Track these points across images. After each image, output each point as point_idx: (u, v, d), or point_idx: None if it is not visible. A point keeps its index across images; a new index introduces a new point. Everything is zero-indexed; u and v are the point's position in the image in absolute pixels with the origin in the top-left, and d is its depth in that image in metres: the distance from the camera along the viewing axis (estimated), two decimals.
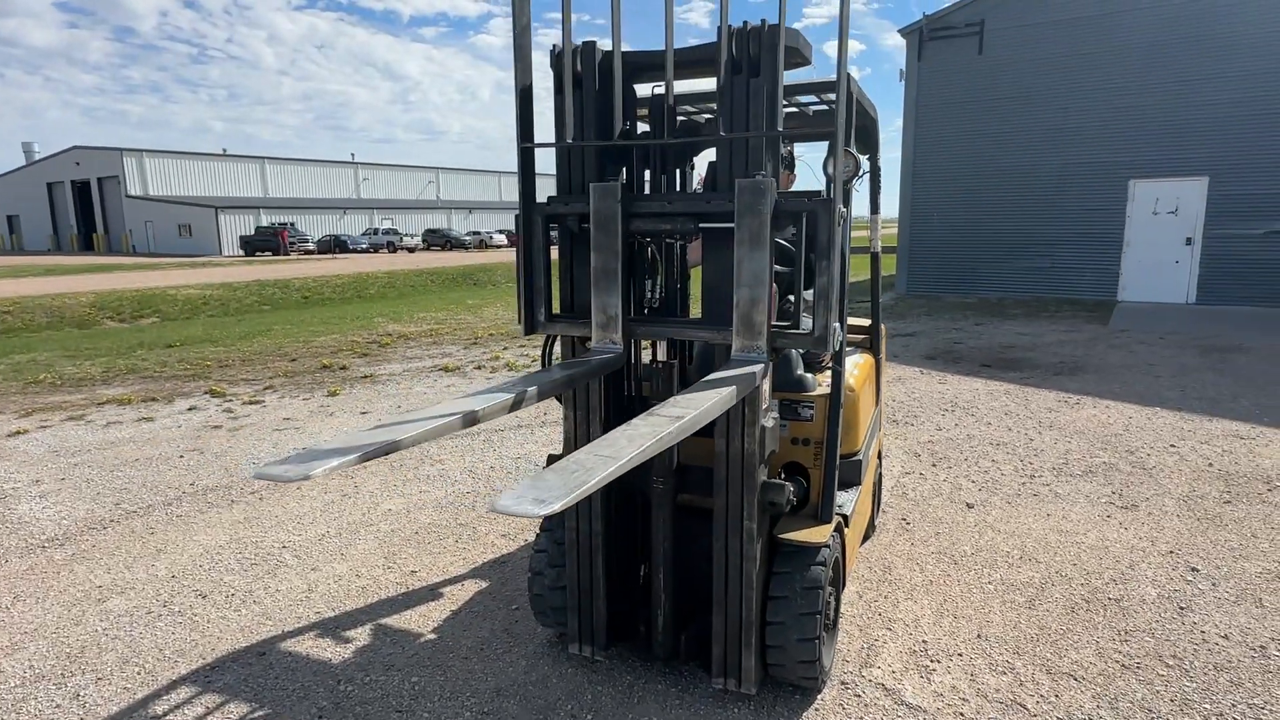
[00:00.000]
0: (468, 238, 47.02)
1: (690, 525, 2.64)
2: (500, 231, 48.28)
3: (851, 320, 3.71)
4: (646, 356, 3.03)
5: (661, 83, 2.41)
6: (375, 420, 6.49)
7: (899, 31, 15.91)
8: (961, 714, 2.55)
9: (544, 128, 2.52)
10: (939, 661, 2.85)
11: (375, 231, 46.89)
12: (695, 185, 3.08)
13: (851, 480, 3.05)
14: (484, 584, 3.53)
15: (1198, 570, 3.54)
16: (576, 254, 2.61)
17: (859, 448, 3.10)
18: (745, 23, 2.22)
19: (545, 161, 2.69)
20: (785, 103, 2.97)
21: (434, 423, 1.77)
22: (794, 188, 3.11)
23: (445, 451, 5.52)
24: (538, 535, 2.92)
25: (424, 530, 4.14)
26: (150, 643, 3.06)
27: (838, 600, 2.81)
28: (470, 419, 1.86)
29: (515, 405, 2.03)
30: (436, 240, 46.54)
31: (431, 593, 3.46)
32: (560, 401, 2.71)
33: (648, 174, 2.67)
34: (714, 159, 2.45)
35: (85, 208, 50.96)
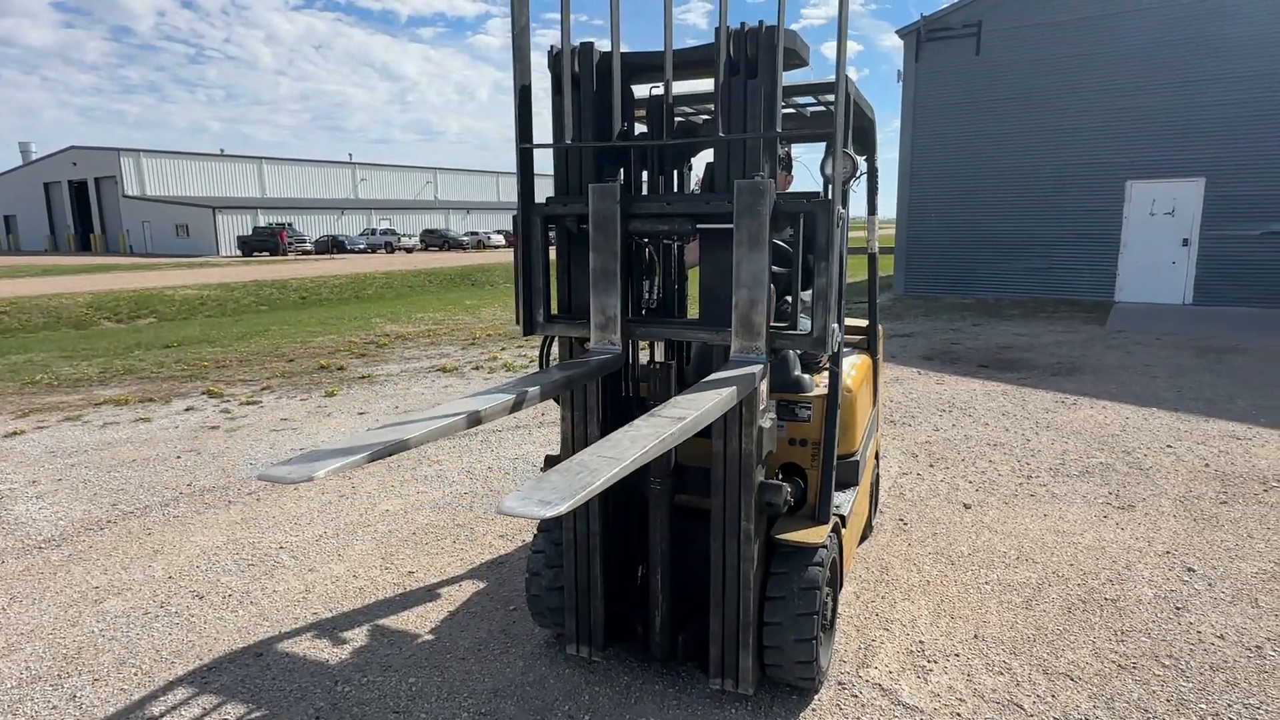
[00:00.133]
0: (465, 238, 47.02)
1: (688, 526, 2.64)
2: (498, 232, 48.28)
3: (849, 321, 3.71)
4: (644, 357, 3.03)
5: (660, 83, 2.42)
6: (373, 420, 6.49)
7: (897, 32, 15.93)
8: (958, 714, 2.56)
9: (542, 128, 2.52)
10: (936, 662, 2.86)
11: (373, 232, 46.86)
12: (693, 186, 3.09)
13: (849, 481, 3.05)
14: (481, 585, 3.53)
15: (1194, 570, 3.55)
16: (575, 255, 2.61)
17: (856, 448, 3.10)
18: (743, 24, 2.23)
19: (544, 162, 2.69)
20: (783, 104, 2.98)
21: (439, 423, 1.78)
22: (791, 189, 3.12)
23: (443, 452, 5.52)
24: (535, 536, 2.92)
25: (422, 531, 4.14)
26: (147, 644, 3.06)
27: (835, 601, 2.81)
28: (474, 419, 1.87)
29: (517, 406, 2.03)
30: (434, 241, 46.53)
31: (429, 593, 3.46)
32: (558, 402, 2.71)
33: (646, 175, 2.67)
34: (712, 160, 2.45)
35: (82, 208, 50.87)
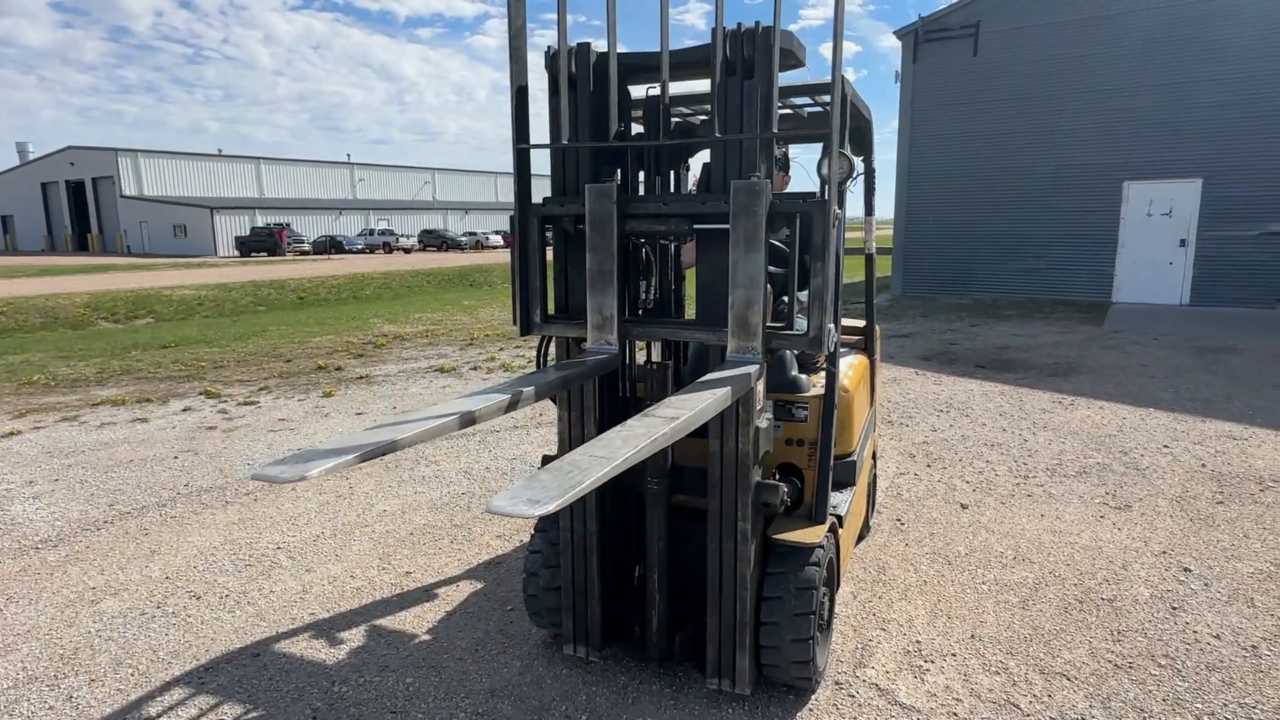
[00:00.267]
0: (464, 238, 47.02)
1: (685, 526, 2.64)
2: (496, 232, 48.27)
3: (846, 321, 3.72)
4: (641, 357, 3.04)
5: (656, 84, 2.42)
6: (370, 421, 6.48)
7: (894, 33, 15.95)
8: (955, 714, 2.56)
9: (540, 129, 2.52)
10: (933, 662, 2.86)
11: (371, 232, 46.84)
12: (690, 186, 3.09)
13: (846, 481, 3.05)
14: (479, 585, 3.53)
15: (1190, 570, 3.56)
16: (572, 255, 2.62)
17: (853, 448, 3.10)
18: (740, 25, 2.23)
19: (541, 162, 2.69)
20: (780, 104, 2.98)
21: (431, 423, 1.78)
22: (789, 189, 3.12)
23: (441, 453, 5.52)
24: (532, 536, 2.93)
25: (419, 531, 4.14)
26: (144, 644, 3.05)
27: (832, 601, 2.82)
28: (468, 419, 1.86)
29: (512, 406, 2.03)
30: (432, 241, 46.52)
31: (426, 594, 3.45)
32: (555, 402, 2.72)
33: (642, 175, 2.67)
34: (709, 160, 2.45)
35: (80, 208, 50.80)
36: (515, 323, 2.65)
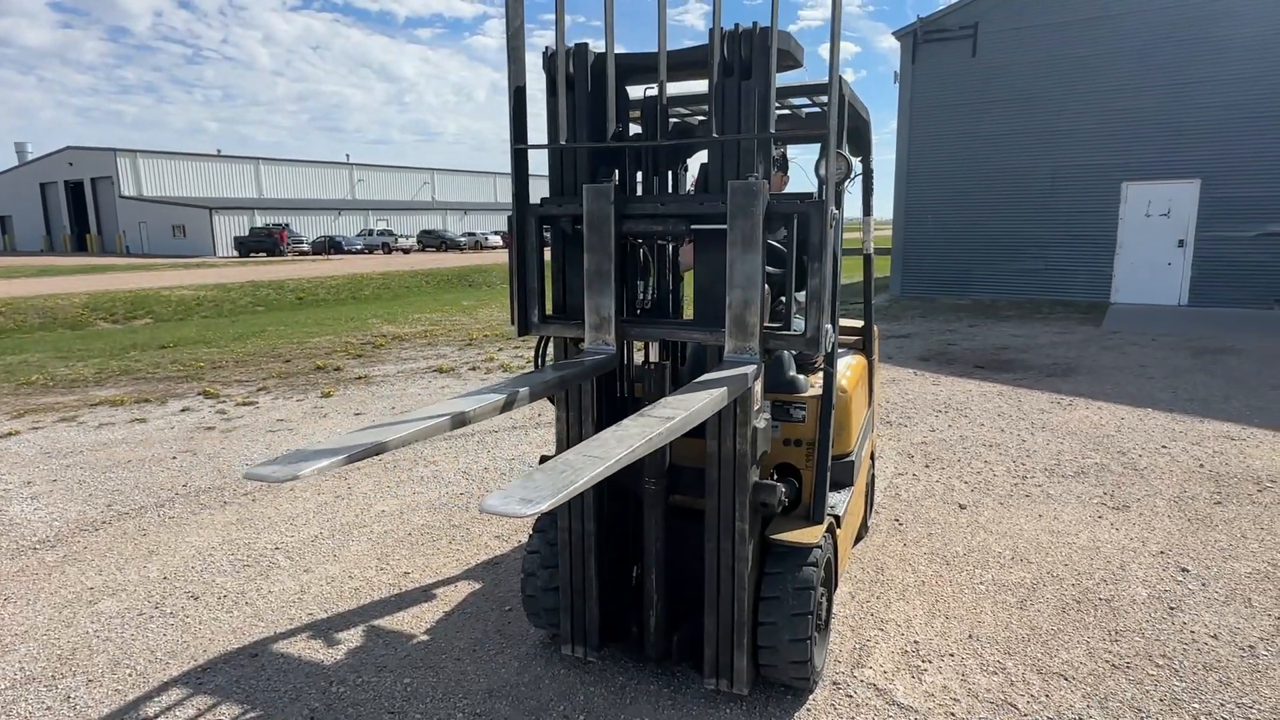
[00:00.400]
0: (463, 239, 46.99)
1: (682, 526, 2.64)
2: (495, 233, 48.24)
3: (844, 321, 3.72)
4: (639, 358, 3.04)
5: (654, 84, 2.42)
6: (369, 421, 6.48)
7: (893, 34, 15.97)
8: (952, 714, 2.56)
9: (538, 129, 2.52)
10: (930, 662, 2.86)
11: (370, 232, 46.83)
12: (688, 187, 3.10)
13: (844, 481, 3.06)
14: (477, 585, 3.53)
15: (1188, 570, 3.56)
16: (569, 255, 2.62)
17: (851, 449, 3.11)
18: (737, 25, 2.23)
19: (539, 163, 2.69)
20: (778, 105, 2.98)
21: (423, 424, 1.78)
22: (787, 189, 3.12)
23: (439, 453, 5.52)
24: (530, 536, 2.93)
25: (417, 532, 4.14)
26: (142, 644, 3.05)
27: (830, 601, 2.82)
28: (460, 420, 1.86)
29: (507, 406, 2.03)
30: (431, 241, 46.49)
31: (424, 594, 3.45)
32: (552, 402, 2.72)
33: (640, 175, 2.68)
34: (706, 161, 2.46)
35: (79, 208, 50.75)
36: (513, 323, 2.65)
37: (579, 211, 2.46)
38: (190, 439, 5.95)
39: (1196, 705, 2.59)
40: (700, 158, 2.66)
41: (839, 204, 2.43)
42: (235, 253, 40.99)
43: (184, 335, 11.92)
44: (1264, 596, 3.31)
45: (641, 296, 2.75)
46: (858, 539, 3.84)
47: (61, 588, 3.53)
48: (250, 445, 5.77)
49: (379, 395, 7.47)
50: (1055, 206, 14.54)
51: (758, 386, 2.34)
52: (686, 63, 2.45)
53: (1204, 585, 3.42)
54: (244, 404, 7.09)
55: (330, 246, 41.84)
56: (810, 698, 2.64)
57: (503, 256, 35.16)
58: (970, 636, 3.03)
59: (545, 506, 1.28)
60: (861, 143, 3.47)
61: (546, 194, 2.60)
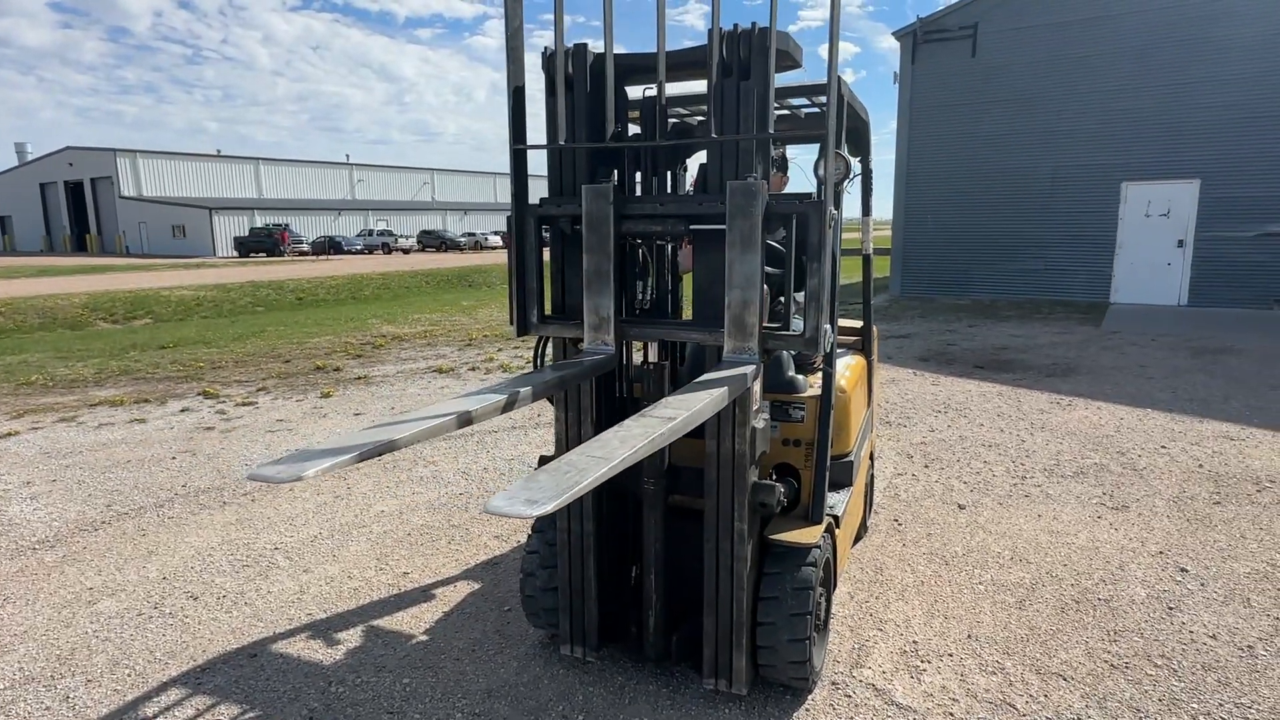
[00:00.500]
0: (463, 239, 46.97)
1: (682, 526, 2.64)
2: (495, 233, 48.21)
3: (844, 322, 3.72)
4: (638, 358, 3.04)
5: (654, 85, 2.42)
6: (368, 421, 6.48)
7: (893, 34, 15.97)
8: (951, 714, 2.56)
9: (537, 129, 2.52)
10: (929, 662, 2.86)
11: (370, 233, 46.80)
12: (688, 187, 3.10)
13: (843, 481, 3.06)
14: (476, 585, 3.53)
15: (1187, 570, 3.56)
16: (569, 256, 2.62)
17: (850, 449, 3.11)
18: (736, 25, 2.23)
19: (538, 163, 2.70)
20: (777, 105, 2.98)
21: (429, 423, 1.78)
22: (788, 190, 3.12)
23: (439, 453, 5.52)
24: (529, 536, 2.93)
25: (417, 532, 4.14)
26: (141, 645, 3.05)
27: (829, 601, 2.82)
28: (464, 419, 1.86)
29: (508, 406, 2.03)
30: (431, 241, 46.47)
31: (424, 594, 3.46)
32: (552, 403, 2.72)
33: (639, 176, 2.68)
34: (705, 161, 2.46)
35: (78, 208, 50.74)
36: (512, 323, 2.65)
37: (578, 212, 2.46)
38: (190, 439, 5.95)
39: (1195, 705, 2.59)
40: (699, 158, 2.66)
41: (838, 204, 2.43)
42: (235, 253, 40.98)
43: (184, 335, 11.92)
44: (1263, 596, 3.32)
45: (640, 297, 2.75)
46: (857, 539, 3.84)
47: (61, 588, 3.53)
48: (250, 446, 5.77)
49: (379, 395, 7.47)
50: (1055, 207, 14.55)
51: (757, 386, 2.34)
52: (685, 63, 2.45)
53: (1203, 585, 3.42)
54: (243, 404, 7.09)
55: (330, 247, 41.82)
56: (809, 698, 2.64)
57: (502, 257, 35.15)
58: (969, 636, 3.03)
59: (550, 508, 1.28)
60: (860, 143, 3.47)
61: (546, 194, 2.60)
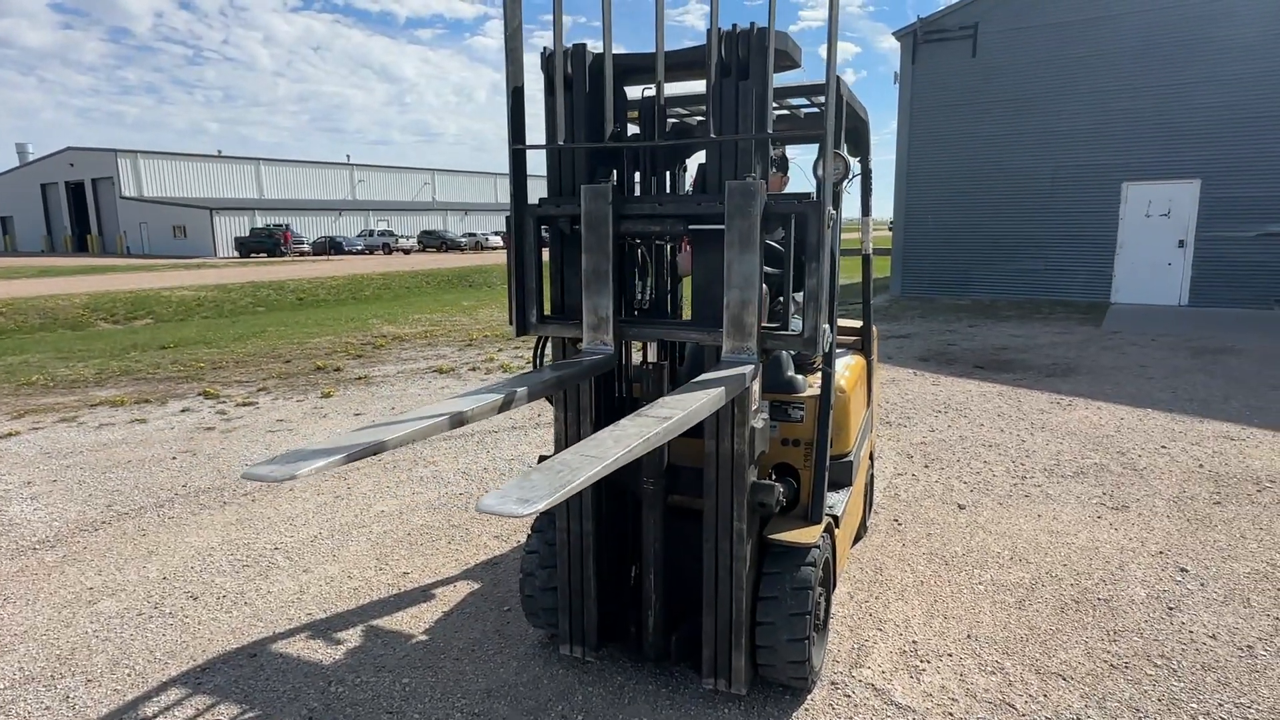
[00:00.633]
0: (463, 239, 46.99)
1: (681, 526, 2.64)
2: (495, 233, 48.20)
3: (843, 321, 3.72)
4: (637, 358, 3.04)
5: (652, 85, 2.42)
6: (367, 421, 6.48)
7: (893, 34, 15.97)
8: (950, 714, 2.56)
9: (536, 129, 2.53)
10: (929, 662, 2.86)
11: (371, 233, 46.81)
12: (687, 187, 3.10)
13: (842, 481, 3.06)
14: (476, 585, 3.53)
15: (1187, 570, 3.56)
16: (568, 256, 2.62)
17: (850, 449, 3.11)
18: (735, 25, 2.23)
19: (538, 163, 2.70)
20: (776, 105, 2.98)
21: (421, 424, 1.78)
22: (788, 189, 3.12)
23: (439, 453, 5.52)
24: (529, 536, 2.93)
25: (416, 532, 4.14)
26: (141, 644, 3.05)
27: (828, 601, 2.82)
28: (458, 420, 1.86)
29: (505, 406, 2.03)
30: (432, 242, 46.49)
31: (423, 594, 3.46)
32: (551, 402, 2.72)
33: (638, 176, 2.68)
34: (704, 161, 2.46)
35: (79, 209, 50.78)
36: (512, 323, 2.65)
37: (577, 212, 2.46)
38: (190, 439, 5.95)
39: (1195, 705, 2.59)
40: (698, 158, 2.66)
41: (837, 204, 2.43)
42: (236, 253, 41.00)
43: (184, 336, 11.93)
44: (1262, 596, 3.31)
45: (639, 297, 2.75)
46: (856, 539, 3.84)
47: (61, 588, 3.54)
48: (250, 446, 5.77)
49: (379, 395, 7.47)
50: (1055, 207, 14.54)
51: (756, 386, 2.34)
52: (684, 63, 2.45)
53: (1203, 585, 3.42)
54: (244, 404, 7.10)
55: (330, 247, 41.83)
56: (808, 698, 2.64)
57: (502, 257, 35.08)
58: (969, 636, 3.03)
59: (542, 506, 1.28)
60: (860, 143, 3.47)
61: (545, 194, 2.60)
